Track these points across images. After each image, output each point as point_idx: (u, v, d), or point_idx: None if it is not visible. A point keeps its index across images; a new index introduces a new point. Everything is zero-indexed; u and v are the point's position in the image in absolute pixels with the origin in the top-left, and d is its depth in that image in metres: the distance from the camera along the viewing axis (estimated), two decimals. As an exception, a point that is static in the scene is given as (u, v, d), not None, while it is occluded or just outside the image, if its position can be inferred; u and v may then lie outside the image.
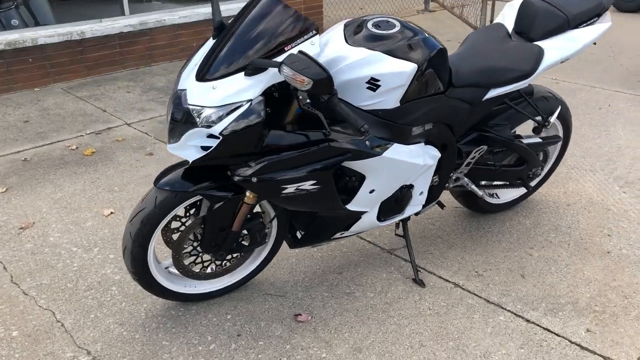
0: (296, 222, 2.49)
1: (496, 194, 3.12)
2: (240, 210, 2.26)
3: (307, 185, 2.12)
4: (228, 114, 1.92)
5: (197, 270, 2.43)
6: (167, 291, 2.40)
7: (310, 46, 1.94)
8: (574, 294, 2.55)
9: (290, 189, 2.11)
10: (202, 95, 1.95)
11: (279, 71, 1.78)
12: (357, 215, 2.40)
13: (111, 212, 3.23)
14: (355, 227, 2.45)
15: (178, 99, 2.02)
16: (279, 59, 1.92)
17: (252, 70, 1.90)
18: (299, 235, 2.50)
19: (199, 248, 2.37)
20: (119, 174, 3.68)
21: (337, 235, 2.48)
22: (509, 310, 2.46)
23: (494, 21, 2.82)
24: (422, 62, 2.15)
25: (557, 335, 2.32)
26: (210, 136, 1.98)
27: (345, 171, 2.27)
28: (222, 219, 2.25)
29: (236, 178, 2.07)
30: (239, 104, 1.91)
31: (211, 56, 1.99)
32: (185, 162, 2.23)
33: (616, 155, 3.89)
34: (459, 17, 7.33)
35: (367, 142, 2.14)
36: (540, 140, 2.87)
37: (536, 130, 2.76)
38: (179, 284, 2.45)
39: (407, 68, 2.09)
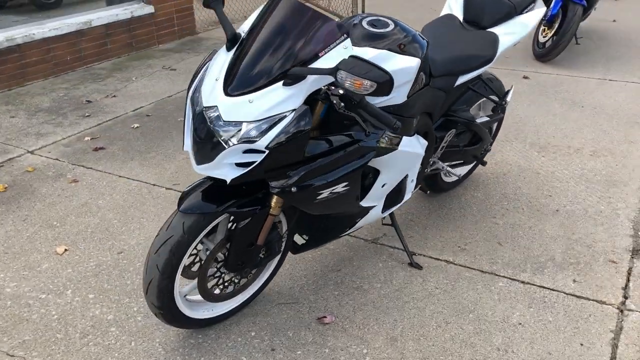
0: (298, 227, 2.48)
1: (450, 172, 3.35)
2: (265, 222, 2.20)
3: (340, 187, 2.13)
4: (271, 126, 1.86)
5: (219, 292, 2.33)
6: (190, 320, 2.27)
7: (343, 50, 1.95)
8: (548, 252, 2.85)
9: (325, 193, 2.11)
10: (239, 110, 1.88)
11: (335, 77, 1.77)
12: (367, 211, 2.45)
13: (65, 250, 2.93)
14: (361, 222, 2.51)
15: (204, 118, 1.92)
16: (317, 65, 1.90)
17: (292, 79, 1.87)
18: (298, 240, 2.49)
19: (222, 269, 2.27)
20: (49, 207, 3.34)
21: (343, 233, 2.52)
22: (503, 276, 2.68)
23: (443, 12, 3.02)
24: (422, 56, 2.26)
25: (553, 290, 2.59)
26: (249, 151, 1.91)
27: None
28: (250, 234, 2.18)
29: (275, 190, 2.03)
30: (282, 115, 1.87)
31: (235, 68, 1.92)
32: (204, 182, 2.13)
33: (522, 126, 4.34)
34: (325, 9, 7.54)
35: (385, 137, 2.20)
36: (489, 118, 3.13)
37: (495, 110, 3.01)
38: (199, 310, 2.33)
39: (414, 63, 2.18)
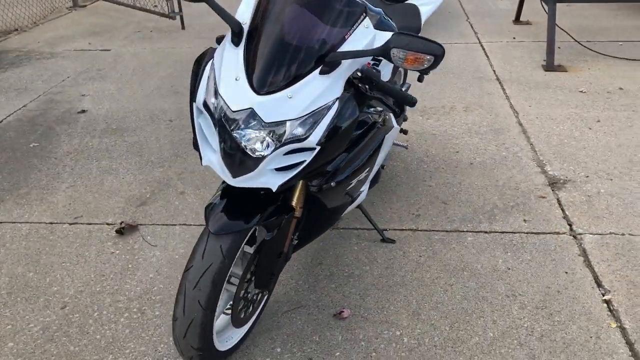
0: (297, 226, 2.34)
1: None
2: (290, 228, 2.04)
3: (364, 174, 2.06)
4: (317, 120, 1.72)
5: (243, 315, 2.10)
6: (219, 355, 2.02)
7: (365, 29, 1.86)
8: (488, 201, 3.10)
9: (354, 182, 2.02)
10: (280, 108, 1.69)
11: (390, 56, 1.69)
12: (357, 196, 2.41)
13: (-9, 322, 2.38)
14: (349, 208, 2.45)
15: (237, 123, 1.70)
16: (346, 48, 1.78)
17: (329, 66, 1.74)
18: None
19: (249, 288, 2.05)
20: None
21: (333, 225, 2.44)
22: (467, 231, 2.85)
23: None
24: (393, 31, 2.26)
25: (514, 232, 2.83)
26: (292, 152, 1.74)
27: None
28: (280, 242, 2.00)
29: (315, 188, 1.88)
30: (326, 106, 1.73)
31: (256, 63, 1.72)
32: (222, 197, 1.89)
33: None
34: (131, 6, 7.02)
35: (387, 115, 2.18)
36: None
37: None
38: (224, 341, 2.08)
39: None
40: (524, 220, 2.91)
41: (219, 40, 2.03)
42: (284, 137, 1.70)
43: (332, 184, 1.91)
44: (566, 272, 2.54)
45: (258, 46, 1.76)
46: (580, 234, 2.79)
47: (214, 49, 1.87)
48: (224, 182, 1.94)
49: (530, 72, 4.82)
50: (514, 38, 5.71)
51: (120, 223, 2.98)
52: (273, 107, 1.69)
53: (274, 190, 1.77)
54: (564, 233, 2.80)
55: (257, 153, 1.71)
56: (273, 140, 1.70)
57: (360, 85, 1.87)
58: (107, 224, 3.02)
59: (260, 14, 1.81)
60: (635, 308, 2.33)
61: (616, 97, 4.30)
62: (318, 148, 1.74)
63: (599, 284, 2.47)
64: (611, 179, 3.23)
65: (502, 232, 2.83)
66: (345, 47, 1.79)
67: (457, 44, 5.63)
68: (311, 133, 1.71)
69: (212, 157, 1.80)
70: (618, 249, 2.67)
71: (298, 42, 1.74)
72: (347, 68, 1.79)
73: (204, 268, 1.80)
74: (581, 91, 4.43)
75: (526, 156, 3.52)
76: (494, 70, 4.91)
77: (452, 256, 2.67)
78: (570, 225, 2.86)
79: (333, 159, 1.85)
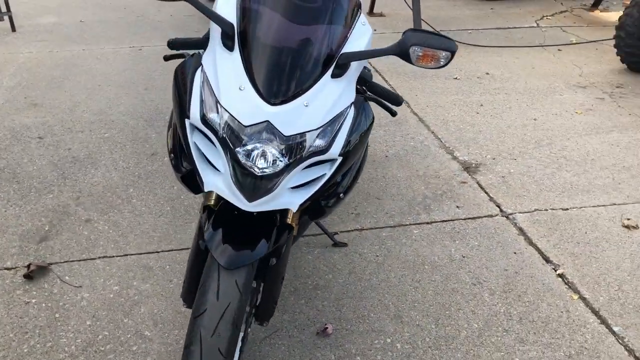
0: None
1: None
2: (289, 249, 1.84)
3: (359, 176, 1.93)
4: (336, 129, 1.56)
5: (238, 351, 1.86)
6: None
7: (363, 27, 1.71)
8: (417, 192, 3.13)
9: (352, 187, 1.88)
10: (298, 119, 1.50)
11: (409, 54, 1.57)
12: None
13: None
14: None
15: (251, 138, 1.48)
16: (349, 48, 1.62)
17: (340, 69, 1.58)
18: None
19: (252, 318, 1.81)
20: None
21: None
22: (410, 224, 2.85)
23: None
24: None
25: (453, 220, 2.89)
26: (310, 166, 1.56)
27: None
28: (283, 266, 1.79)
29: (329, 202, 1.71)
30: (343, 113, 1.58)
31: (260, 70, 1.51)
32: (213, 224, 1.64)
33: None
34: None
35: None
36: None
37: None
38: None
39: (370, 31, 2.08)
40: (457, 207, 2.99)
41: (169, 58, 1.77)
42: (305, 151, 1.51)
43: (341, 195, 1.76)
44: (515, 253, 2.66)
45: (258, 50, 1.54)
46: (510, 214, 2.94)
47: (200, 55, 1.61)
48: (207, 204, 1.70)
49: (404, 62, 4.99)
50: (375, 30, 5.87)
51: (28, 266, 2.50)
52: (291, 118, 1.50)
53: (294, 210, 1.57)
54: (496, 215, 2.93)
55: (275, 171, 1.50)
56: (293, 156, 1.50)
57: (358, 86, 1.74)
58: (7, 268, 2.52)
59: (249, 13, 1.60)
60: (586, 278, 2.51)
61: (486, 81, 4.62)
62: (340, 159, 1.58)
63: (547, 260, 2.61)
64: (515, 159, 3.46)
65: (443, 222, 2.87)
66: (348, 47, 1.65)
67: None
68: (332, 143, 1.55)
69: (216, 181, 1.55)
70: (548, 224, 2.86)
71: (303, 44, 1.56)
72: (355, 69, 1.65)
73: (222, 309, 1.55)
74: (455, 78, 4.69)
75: (433, 144, 3.63)
76: (370, 62, 5.00)
77: (407, 252, 2.65)
78: (498, 206, 3.00)
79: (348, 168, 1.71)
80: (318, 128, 1.52)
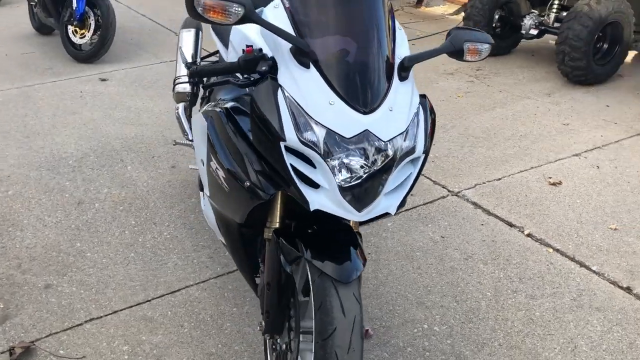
0: None
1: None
2: None
3: None
4: (416, 129, 1.61)
5: None
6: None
7: (400, 30, 1.76)
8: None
9: None
10: (389, 124, 1.54)
11: (464, 51, 1.67)
12: None
13: None
14: None
15: (357, 149, 1.48)
16: (399, 50, 1.67)
17: (405, 71, 1.63)
18: None
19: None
20: None
21: None
22: (380, 219, 2.98)
23: None
24: None
25: (415, 207, 3.08)
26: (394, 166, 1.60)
27: None
28: None
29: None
30: (417, 112, 1.64)
31: (341, 82, 1.52)
32: (318, 246, 1.61)
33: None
34: None
35: None
36: None
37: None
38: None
39: None
40: (411, 195, 3.18)
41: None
42: (399, 153, 1.56)
43: (412, 193, 1.82)
44: (482, 224, 2.92)
45: (331, 64, 1.54)
46: (458, 192, 3.21)
47: (274, 78, 1.56)
48: (274, 228, 1.67)
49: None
50: (239, 45, 5.88)
51: (9, 351, 2.16)
52: (384, 124, 1.53)
53: (393, 214, 1.61)
54: (447, 195, 3.18)
55: (380, 177, 1.53)
56: (392, 160, 1.54)
57: None
58: (-20, 360, 2.15)
59: (305, 30, 1.58)
60: (549, 232, 2.85)
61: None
62: (423, 156, 1.65)
63: (511, 225, 2.91)
64: (433, 144, 3.75)
65: (407, 210, 3.04)
66: (399, 51, 1.71)
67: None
68: (417, 142, 1.61)
69: (319, 198, 1.52)
70: (493, 194, 3.17)
71: (369, 53, 1.59)
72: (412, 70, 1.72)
73: (351, 324, 1.52)
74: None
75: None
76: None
77: (393, 244, 2.77)
78: (445, 187, 3.26)
79: None
80: (405, 130, 1.57)
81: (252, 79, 1.66)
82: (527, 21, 5.07)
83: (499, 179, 3.33)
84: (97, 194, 3.21)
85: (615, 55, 4.69)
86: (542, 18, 5.07)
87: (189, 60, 2.84)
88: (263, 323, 1.79)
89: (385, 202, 1.59)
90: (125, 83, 4.88)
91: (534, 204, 3.08)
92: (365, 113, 1.51)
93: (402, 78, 1.63)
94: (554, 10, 4.98)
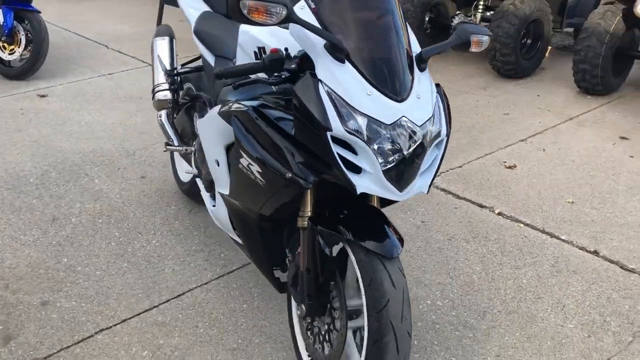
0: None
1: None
2: None
3: None
4: (439, 113, 1.77)
5: None
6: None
7: (408, 25, 1.91)
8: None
9: None
10: (421, 110, 1.68)
11: (470, 44, 1.83)
12: None
13: None
14: None
15: (399, 134, 1.62)
16: (413, 44, 1.82)
17: (424, 63, 1.78)
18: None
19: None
20: None
21: None
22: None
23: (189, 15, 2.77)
24: None
25: (390, 197, 3.24)
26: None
27: None
28: None
29: None
30: (437, 98, 1.79)
31: (375, 73, 1.65)
32: (360, 227, 1.73)
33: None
34: None
35: None
36: None
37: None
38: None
39: None
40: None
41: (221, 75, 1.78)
42: (429, 136, 1.70)
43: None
44: (455, 208, 3.13)
45: (363, 58, 1.66)
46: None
47: (313, 74, 1.66)
48: (308, 216, 1.79)
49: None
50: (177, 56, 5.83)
51: (25, 368, 2.11)
52: (416, 111, 1.67)
53: (426, 192, 1.75)
54: (417, 184, 3.37)
55: (417, 159, 1.67)
56: (425, 143, 1.69)
57: None
58: (-6, 382, 2.09)
59: (332, 27, 1.69)
60: (516, 210, 3.10)
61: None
62: (446, 138, 1.80)
63: (481, 206, 3.15)
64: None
65: (384, 201, 3.20)
66: (414, 45, 1.86)
67: (122, 72, 5.42)
68: (441, 126, 1.77)
69: (364, 182, 1.63)
70: (459, 180, 3.40)
71: (394, 47, 1.72)
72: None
73: (401, 295, 1.65)
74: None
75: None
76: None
77: (379, 232, 2.92)
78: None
79: None
80: (432, 115, 1.72)
81: (282, 76, 1.76)
82: (456, 22, 5.41)
83: (460, 167, 3.57)
84: (70, 209, 3.14)
85: (538, 50, 5.11)
86: (469, 18, 5.43)
87: (168, 67, 2.87)
88: (304, 307, 1.87)
89: (419, 183, 1.73)
90: (67, 98, 4.74)
91: (497, 186, 3.34)
92: (399, 101, 1.65)
93: (422, 69, 1.78)
94: (480, 11, 5.35)
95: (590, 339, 2.25)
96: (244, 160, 1.86)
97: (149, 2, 8.22)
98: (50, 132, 4.08)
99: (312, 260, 1.82)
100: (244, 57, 2.04)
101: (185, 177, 3.18)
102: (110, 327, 2.33)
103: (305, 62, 1.74)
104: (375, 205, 1.88)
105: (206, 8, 2.77)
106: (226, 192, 2.11)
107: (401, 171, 1.64)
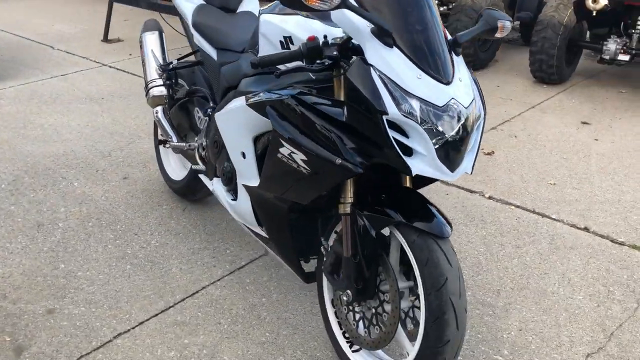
0: None
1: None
2: None
3: None
4: (476, 95, 1.82)
5: None
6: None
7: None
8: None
9: None
10: (466, 92, 1.73)
11: (498, 30, 1.89)
12: None
13: None
14: None
15: (452, 115, 1.66)
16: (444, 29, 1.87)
17: (459, 47, 1.83)
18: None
19: None
20: None
21: None
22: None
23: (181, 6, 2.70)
24: None
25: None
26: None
27: None
28: None
29: None
30: (473, 80, 1.84)
31: (422, 58, 1.69)
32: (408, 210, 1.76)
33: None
34: None
35: None
36: None
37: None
38: None
39: None
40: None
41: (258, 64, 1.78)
42: (473, 118, 1.75)
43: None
44: (447, 194, 3.22)
45: (410, 43, 1.69)
46: (412, 170, 3.48)
47: (364, 59, 1.67)
48: (351, 203, 1.81)
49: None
50: (131, 55, 5.67)
51: (49, 378, 2.00)
52: (462, 93, 1.71)
53: (470, 173, 1.80)
54: (405, 174, 3.44)
55: (464, 140, 1.71)
56: (469, 124, 1.73)
57: None
58: (15, 396, 1.97)
59: (374, 11, 1.72)
60: (505, 193, 3.22)
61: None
62: (484, 121, 1.86)
63: (471, 191, 3.25)
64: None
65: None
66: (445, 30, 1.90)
67: (75, 73, 5.20)
68: (480, 108, 1.82)
69: (417, 164, 1.66)
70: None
71: (436, 33, 1.75)
72: (453, 44, 1.92)
73: (457, 272, 1.69)
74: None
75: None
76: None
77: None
78: (399, 167, 3.51)
79: None
80: (473, 97, 1.78)
81: (325, 63, 1.76)
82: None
83: (442, 155, 3.66)
84: (55, 213, 2.99)
85: (492, 42, 5.32)
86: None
87: (162, 62, 2.79)
88: (350, 293, 1.88)
89: (465, 163, 1.77)
90: (21, 101, 4.50)
91: (481, 172, 3.46)
92: (446, 84, 1.69)
93: (457, 53, 1.83)
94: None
95: (600, 309, 2.37)
96: (285, 150, 1.84)
97: (79, 1, 7.94)
98: (11, 136, 3.86)
99: (357, 245, 1.83)
100: (268, 47, 2.02)
101: (176, 175, 3.10)
102: (129, 330, 2.25)
103: (345, 49, 1.75)
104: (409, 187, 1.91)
105: (201, 1, 2.71)
106: (254, 183, 2.08)
107: (452, 152, 1.68)
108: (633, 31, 4.64)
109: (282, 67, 1.89)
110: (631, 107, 4.48)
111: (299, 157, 1.81)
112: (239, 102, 2.08)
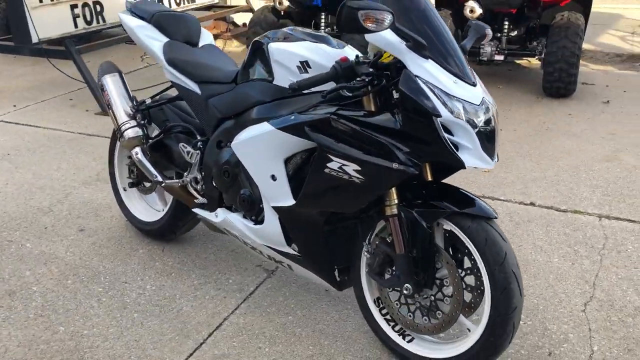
0: None
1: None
2: None
3: None
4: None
5: None
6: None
7: None
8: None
9: None
10: (485, 91, 1.99)
11: (489, 35, 2.16)
12: None
13: None
14: None
15: (481, 113, 1.90)
16: None
17: (465, 53, 2.07)
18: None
19: None
20: None
21: None
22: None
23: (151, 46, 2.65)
24: None
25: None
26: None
27: None
28: None
29: None
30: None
31: (452, 66, 1.92)
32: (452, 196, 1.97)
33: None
34: None
35: None
36: None
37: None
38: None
39: None
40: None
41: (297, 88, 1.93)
42: (495, 112, 2.01)
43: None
44: (404, 194, 3.47)
45: (440, 53, 1.90)
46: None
47: (408, 71, 1.85)
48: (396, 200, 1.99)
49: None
50: (15, 106, 5.27)
51: None
52: (485, 92, 1.98)
53: (497, 160, 2.04)
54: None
55: (495, 132, 1.96)
56: (495, 117, 1.98)
57: None
58: None
59: (407, 27, 1.91)
60: (452, 182, 3.55)
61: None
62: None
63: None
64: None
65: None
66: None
67: None
68: (493, 104, 2.09)
69: (467, 157, 1.87)
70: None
71: (452, 41, 1.98)
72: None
73: (510, 245, 1.93)
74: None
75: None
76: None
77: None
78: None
79: None
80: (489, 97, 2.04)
81: (366, 80, 1.92)
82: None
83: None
84: (22, 278, 2.77)
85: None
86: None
87: (130, 103, 2.73)
88: (410, 286, 2.03)
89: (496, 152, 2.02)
90: None
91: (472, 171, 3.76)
92: (474, 85, 1.94)
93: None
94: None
95: (575, 266, 2.76)
96: (334, 164, 1.95)
97: None
98: None
99: (410, 242, 2.00)
100: (285, 72, 2.12)
101: (148, 217, 3.01)
102: (171, 375, 2.19)
103: (378, 66, 1.94)
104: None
105: (166, 39, 2.71)
106: (288, 203, 2.15)
107: (488, 143, 1.92)
108: (500, 34, 5.31)
109: (317, 88, 2.01)
110: (513, 100, 5.13)
111: (351, 168, 1.93)
112: (263, 128, 2.14)
